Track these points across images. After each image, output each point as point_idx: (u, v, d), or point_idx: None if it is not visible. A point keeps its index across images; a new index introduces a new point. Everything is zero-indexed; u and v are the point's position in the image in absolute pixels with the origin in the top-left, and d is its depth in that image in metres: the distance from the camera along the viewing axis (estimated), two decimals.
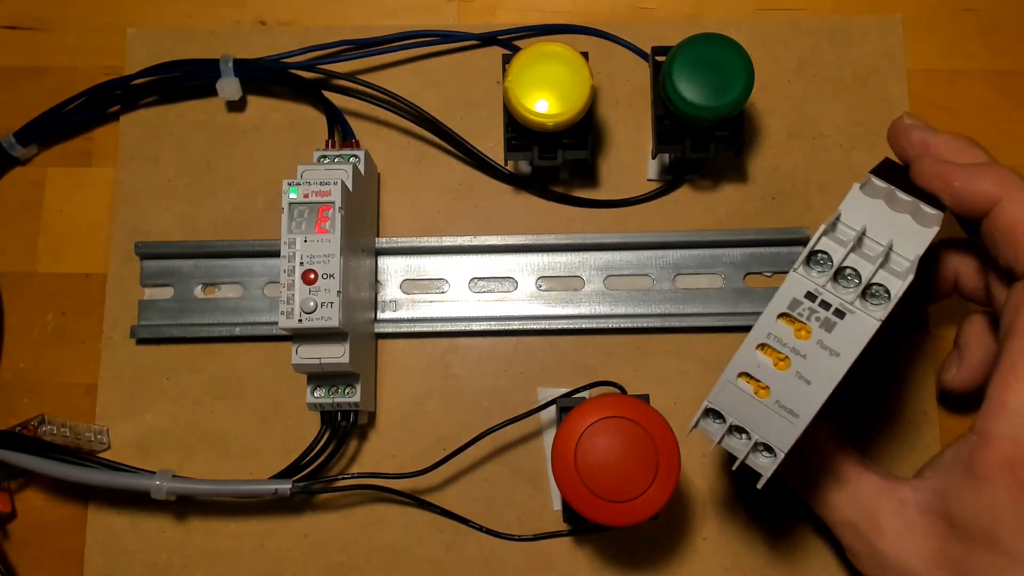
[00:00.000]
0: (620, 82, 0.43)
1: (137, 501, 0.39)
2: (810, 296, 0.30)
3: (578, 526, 0.38)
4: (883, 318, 0.29)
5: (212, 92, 0.42)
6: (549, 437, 0.40)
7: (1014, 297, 0.31)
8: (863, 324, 0.29)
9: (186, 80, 0.42)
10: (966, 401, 0.39)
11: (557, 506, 0.39)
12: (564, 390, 0.39)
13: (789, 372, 0.30)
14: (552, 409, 0.38)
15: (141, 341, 0.41)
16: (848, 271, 0.30)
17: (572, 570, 0.39)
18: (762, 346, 0.30)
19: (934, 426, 0.39)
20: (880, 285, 0.30)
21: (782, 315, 0.30)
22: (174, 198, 0.42)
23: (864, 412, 0.40)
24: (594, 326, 0.40)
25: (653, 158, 0.41)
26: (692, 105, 0.35)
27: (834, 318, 0.29)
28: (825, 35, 0.43)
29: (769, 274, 0.41)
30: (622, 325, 0.40)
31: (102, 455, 0.39)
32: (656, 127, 0.38)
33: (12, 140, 0.42)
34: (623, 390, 0.38)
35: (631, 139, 0.42)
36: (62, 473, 0.37)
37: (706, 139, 0.38)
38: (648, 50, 0.40)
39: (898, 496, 0.33)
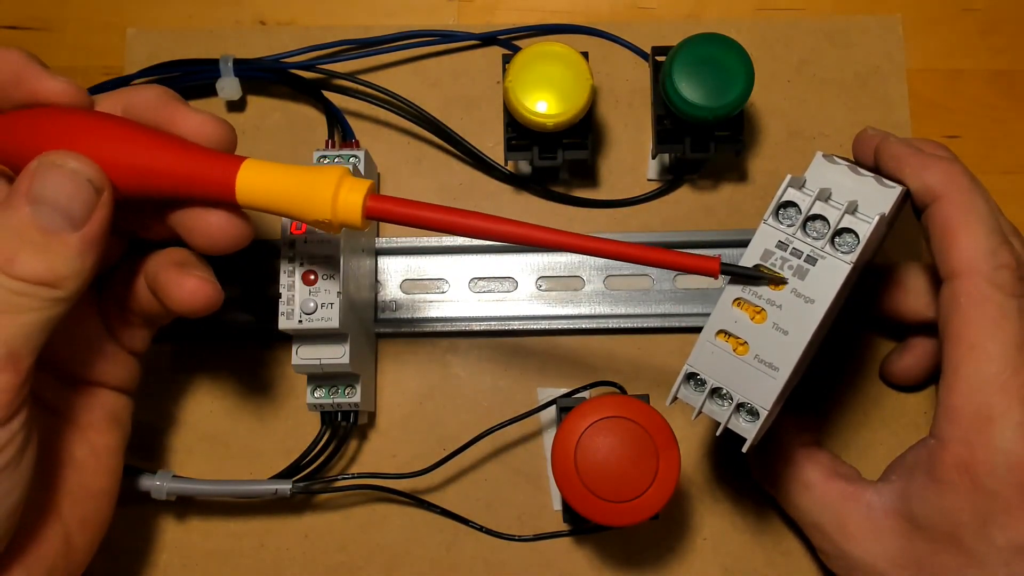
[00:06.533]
0: (620, 82, 0.43)
1: (137, 501, 0.39)
2: (781, 245, 0.30)
3: (578, 526, 0.38)
4: (853, 261, 0.29)
5: (212, 92, 0.42)
6: (549, 437, 0.40)
7: (943, 300, 0.31)
8: (835, 268, 0.29)
9: (186, 80, 0.42)
10: None
11: (557, 506, 0.39)
12: (564, 390, 0.39)
13: (766, 324, 0.30)
14: (552, 409, 0.38)
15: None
16: (817, 221, 0.30)
17: (572, 570, 0.39)
18: (738, 301, 0.30)
19: None
20: (848, 230, 0.30)
21: (756, 267, 0.30)
22: None
23: (864, 412, 0.40)
24: (594, 326, 0.40)
25: (653, 158, 0.41)
26: (692, 105, 0.35)
27: (806, 265, 0.30)
28: (825, 35, 0.43)
29: None
30: (622, 325, 0.40)
31: None
32: (656, 127, 0.38)
33: None
34: (623, 390, 0.38)
35: (631, 139, 0.42)
36: None
37: (706, 139, 0.38)
38: (648, 50, 0.40)
39: (863, 500, 0.33)
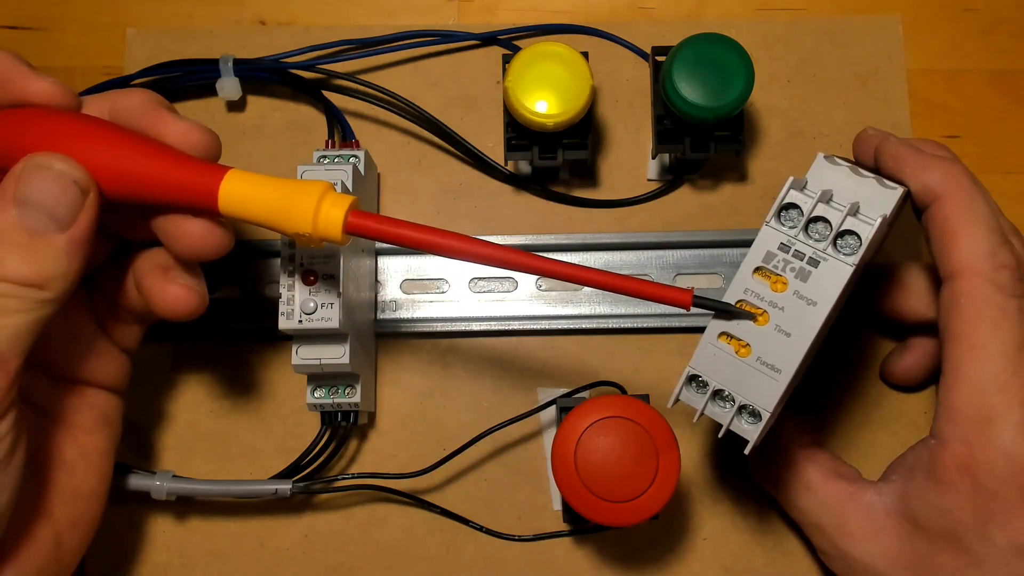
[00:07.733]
0: (620, 82, 0.43)
1: (137, 501, 0.39)
2: (783, 247, 0.30)
3: (578, 526, 0.38)
4: (856, 263, 0.29)
5: (212, 92, 0.42)
6: (549, 437, 0.40)
7: (944, 300, 0.31)
8: (837, 270, 0.29)
9: (186, 80, 0.42)
10: None
11: (557, 506, 0.39)
12: (564, 390, 0.39)
13: (768, 327, 0.30)
14: (552, 409, 0.38)
15: (141, 341, 0.41)
16: (818, 223, 0.30)
17: (572, 570, 0.39)
18: (740, 303, 0.30)
19: None
20: (851, 232, 0.30)
21: (757, 269, 0.30)
22: None
23: (864, 413, 0.40)
24: (594, 326, 0.40)
25: (653, 158, 0.41)
26: (692, 105, 0.35)
27: (808, 267, 0.30)
28: (825, 35, 0.43)
29: None
30: (622, 325, 0.40)
31: None
32: (656, 127, 0.38)
33: None
34: (623, 390, 0.38)
35: (631, 139, 0.42)
36: None
37: (706, 139, 0.38)
38: (648, 50, 0.40)
39: (864, 500, 0.33)
